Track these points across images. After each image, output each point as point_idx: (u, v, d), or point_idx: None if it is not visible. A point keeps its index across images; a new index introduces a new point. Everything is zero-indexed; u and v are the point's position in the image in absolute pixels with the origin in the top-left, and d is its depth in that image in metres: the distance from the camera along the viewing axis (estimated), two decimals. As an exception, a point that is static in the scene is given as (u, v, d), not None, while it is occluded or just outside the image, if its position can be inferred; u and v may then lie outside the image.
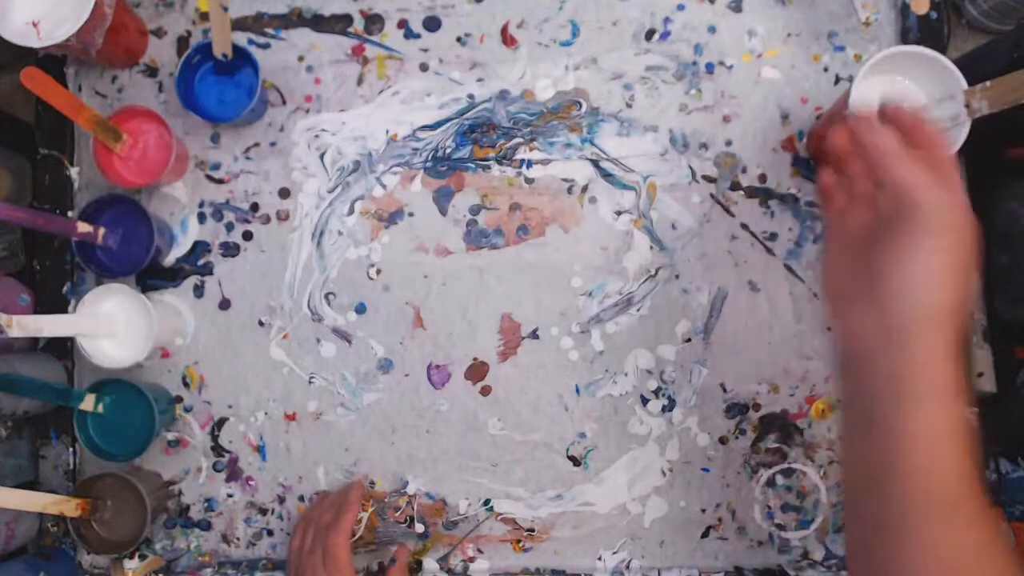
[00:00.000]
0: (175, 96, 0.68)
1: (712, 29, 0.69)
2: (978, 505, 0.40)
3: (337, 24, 0.71)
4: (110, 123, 0.64)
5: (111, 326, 0.66)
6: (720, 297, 0.68)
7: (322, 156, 0.70)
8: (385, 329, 0.70)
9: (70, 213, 0.71)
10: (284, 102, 0.71)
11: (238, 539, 0.71)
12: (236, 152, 0.71)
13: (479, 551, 0.69)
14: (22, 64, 0.63)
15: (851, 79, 0.64)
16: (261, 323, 0.70)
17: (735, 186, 0.69)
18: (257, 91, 0.66)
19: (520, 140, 0.69)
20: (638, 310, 0.69)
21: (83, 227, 0.64)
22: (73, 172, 0.72)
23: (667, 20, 0.69)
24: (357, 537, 0.67)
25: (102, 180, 0.67)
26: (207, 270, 0.71)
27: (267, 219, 0.71)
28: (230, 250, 0.71)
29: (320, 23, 0.71)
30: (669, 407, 0.68)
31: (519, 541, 0.69)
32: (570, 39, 0.70)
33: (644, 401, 0.68)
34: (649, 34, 0.69)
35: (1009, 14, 0.68)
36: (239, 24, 0.71)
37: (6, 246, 0.70)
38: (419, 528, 0.69)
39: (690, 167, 0.69)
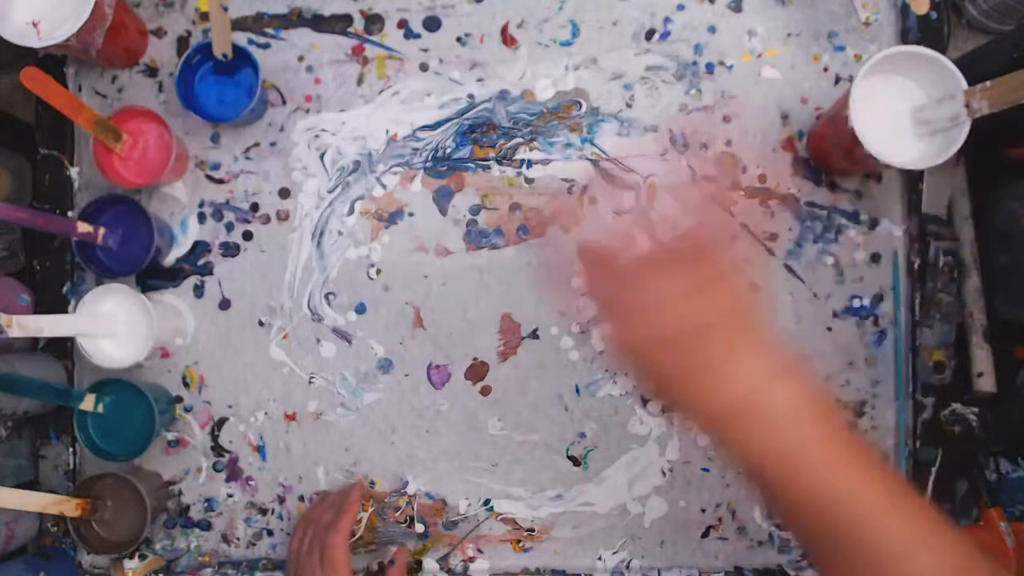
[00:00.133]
0: (175, 96, 0.68)
1: (712, 29, 0.69)
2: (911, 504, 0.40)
3: (337, 24, 0.71)
4: (110, 123, 0.64)
5: (111, 326, 0.66)
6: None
7: (322, 156, 0.70)
8: (385, 329, 0.70)
9: (70, 213, 0.71)
10: (284, 102, 0.71)
11: (238, 539, 0.71)
12: (236, 152, 0.71)
13: (479, 551, 0.69)
14: (22, 64, 0.63)
15: (851, 79, 0.64)
16: (261, 323, 0.70)
17: (735, 186, 0.69)
18: (257, 91, 0.66)
19: (520, 140, 0.69)
20: (638, 310, 0.68)
21: (83, 227, 0.64)
22: (73, 172, 0.72)
23: (667, 20, 0.69)
24: (357, 537, 0.67)
25: (102, 180, 0.67)
26: (207, 270, 0.71)
27: (267, 219, 0.71)
28: (230, 250, 0.71)
29: (320, 23, 0.71)
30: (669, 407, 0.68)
31: (519, 541, 0.69)
32: (570, 39, 0.70)
33: (644, 401, 0.68)
34: (649, 34, 0.69)
35: (1009, 14, 0.68)
36: (239, 24, 0.71)
37: (6, 246, 0.70)
38: (419, 528, 0.69)
39: (690, 167, 0.69)
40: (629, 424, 0.68)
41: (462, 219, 0.70)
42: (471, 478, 0.69)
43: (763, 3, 0.69)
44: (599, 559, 0.69)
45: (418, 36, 0.70)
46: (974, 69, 0.58)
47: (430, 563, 0.69)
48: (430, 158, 0.70)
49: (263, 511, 0.70)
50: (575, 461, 0.69)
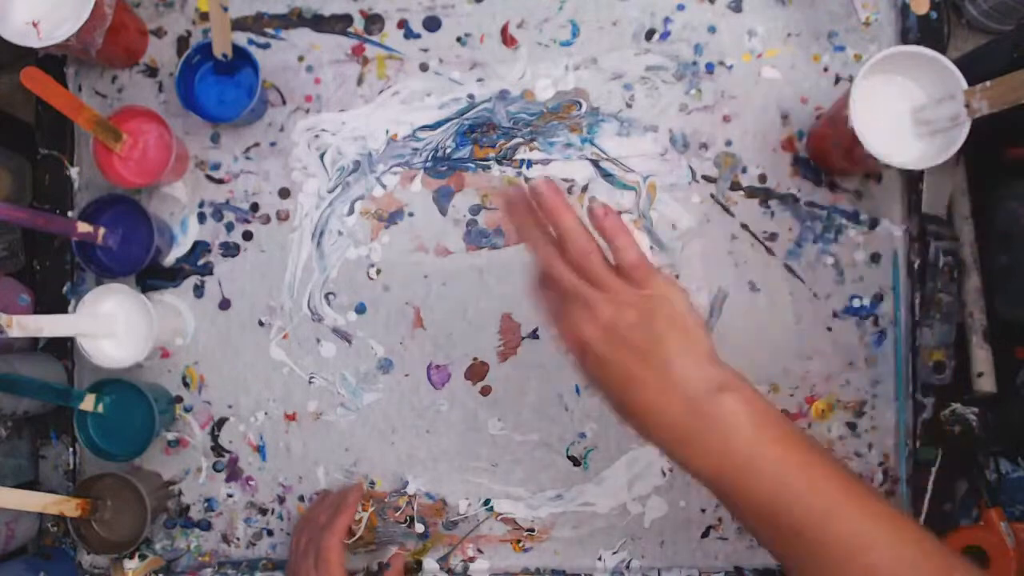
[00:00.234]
0: (175, 96, 0.68)
1: (712, 29, 0.69)
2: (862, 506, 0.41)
3: (337, 24, 0.71)
4: (110, 123, 0.64)
5: (111, 326, 0.66)
6: (720, 297, 0.68)
7: (322, 156, 0.70)
8: (385, 329, 0.70)
9: (70, 213, 0.71)
10: (284, 102, 0.71)
11: (238, 539, 0.71)
12: (236, 152, 0.71)
13: (479, 551, 0.69)
14: (22, 64, 0.63)
15: (851, 79, 0.64)
16: (261, 323, 0.70)
17: (735, 186, 0.69)
18: (257, 91, 0.66)
19: (520, 140, 0.69)
20: (638, 310, 0.68)
21: (83, 227, 0.64)
22: (73, 172, 0.72)
23: (667, 20, 0.69)
24: (357, 537, 0.67)
25: (102, 180, 0.67)
26: (207, 270, 0.71)
27: (267, 219, 0.71)
28: (230, 250, 0.71)
29: (320, 23, 0.71)
30: (669, 407, 0.68)
31: (519, 541, 0.69)
32: (570, 39, 0.70)
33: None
34: (649, 34, 0.69)
35: (1009, 14, 0.68)
36: (239, 24, 0.71)
37: (6, 246, 0.70)
38: (419, 528, 0.69)
39: (690, 167, 0.69)
40: (629, 424, 0.68)
41: (462, 219, 0.70)
42: (471, 478, 0.69)
43: (763, 3, 0.69)
44: (599, 559, 0.69)
45: (418, 36, 0.70)
46: (974, 69, 0.58)
47: (430, 563, 0.69)
48: (430, 158, 0.70)
49: (263, 511, 0.70)
50: (575, 461, 0.69)
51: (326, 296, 0.70)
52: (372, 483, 0.70)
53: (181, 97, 0.67)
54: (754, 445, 0.42)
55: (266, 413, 0.70)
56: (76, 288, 0.71)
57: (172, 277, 0.71)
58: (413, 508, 0.69)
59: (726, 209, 0.69)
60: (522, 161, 0.69)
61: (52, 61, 0.71)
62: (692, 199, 0.69)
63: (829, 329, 0.68)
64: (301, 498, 0.70)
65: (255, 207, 0.71)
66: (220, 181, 0.71)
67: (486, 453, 0.69)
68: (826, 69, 0.69)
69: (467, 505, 0.69)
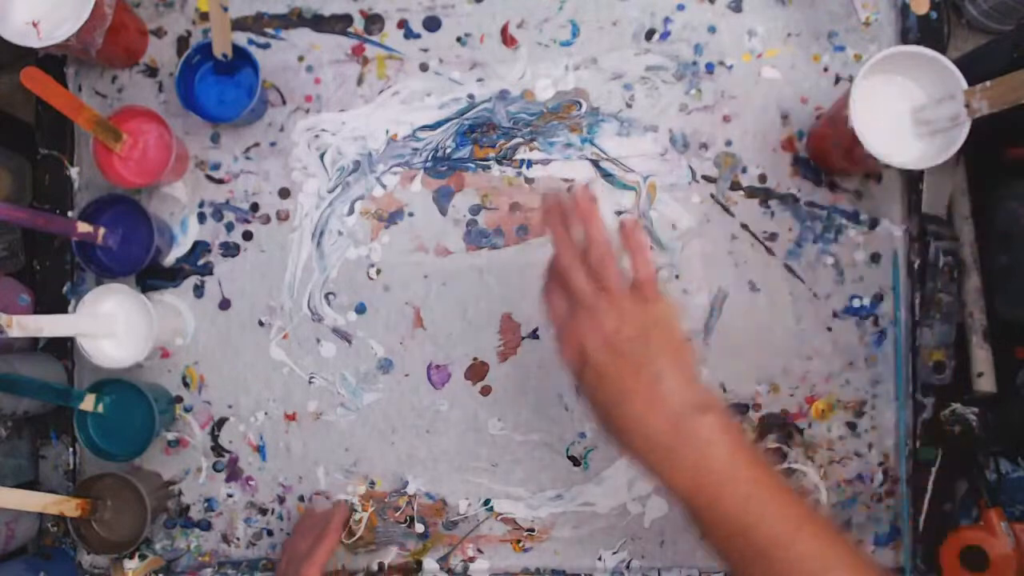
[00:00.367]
0: (175, 96, 0.68)
1: (712, 29, 0.69)
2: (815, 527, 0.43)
3: (337, 24, 0.71)
4: (110, 123, 0.64)
5: (111, 326, 0.66)
6: (720, 297, 0.68)
7: (322, 156, 0.70)
8: (385, 329, 0.70)
9: (70, 213, 0.71)
10: (284, 102, 0.71)
11: (238, 539, 0.71)
12: (236, 152, 0.71)
13: (479, 551, 0.69)
14: (22, 64, 0.63)
15: (851, 79, 0.64)
16: (261, 323, 0.70)
17: (735, 186, 0.69)
18: (257, 91, 0.66)
19: (520, 140, 0.69)
20: (638, 310, 0.68)
21: (83, 227, 0.64)
22: (73, 172, 0.72)
23: (667, 20, 0.69)
24: (357, 537, 0.68)
25: (102, 180, 0.67)
26: (207, 270, 0.71)
27: (267, 219, 0.71)
28: (230, 250, 0.71)
29: (320, 23, 0.71)
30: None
31: (519, 541, 0.69)
32: (570, 39, 0.70)
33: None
34: (649, 34, 0.69)
35: (1009, 14, 0.68)
36: (239, 24, 0.71)
37: (6, 246, 0.70)
38: (419, 528, 0.69)
39: (690, 167, 0.69)
40: (629, 424, 0.68)
41: (462, 219, 0.70)
42: (471, 478, 0.69)
43: (763, 3, 0.69)
44: (599, 559, 0.69)
45: (418, 36, 0.70)
46: (974, 69, 0.58)
47: (430, 563, 0.69)
48: (430, 158, 0.70)
49: (263, 511, 0.70)
50: (575, 461, 0.69)
51: (326, 296, 0.70)
52: (372, 483, 0.70)
53: (181, 97, 0.67)
54: (730, 464, 0.44)
55: (266, 413, 0.70)
56: (76, 288, 0.71)
57: (172, 277, 0.71)
58: (413, 508, 0.69)
59: (726, 209, 0.69)
60: (522, 161, 0.69)
61: (52, 61, 0.71)
62: (692, 199, 0.69)
63: (829, 329, 0.68)
64: (301, 498, 0.70)
65: (255, 207, 0.71)
66: (220, 181, 0.71)
67: (486, 453, 0.69)
68: (826, 69, 0.69)
69: (467, 505, 0.69)
